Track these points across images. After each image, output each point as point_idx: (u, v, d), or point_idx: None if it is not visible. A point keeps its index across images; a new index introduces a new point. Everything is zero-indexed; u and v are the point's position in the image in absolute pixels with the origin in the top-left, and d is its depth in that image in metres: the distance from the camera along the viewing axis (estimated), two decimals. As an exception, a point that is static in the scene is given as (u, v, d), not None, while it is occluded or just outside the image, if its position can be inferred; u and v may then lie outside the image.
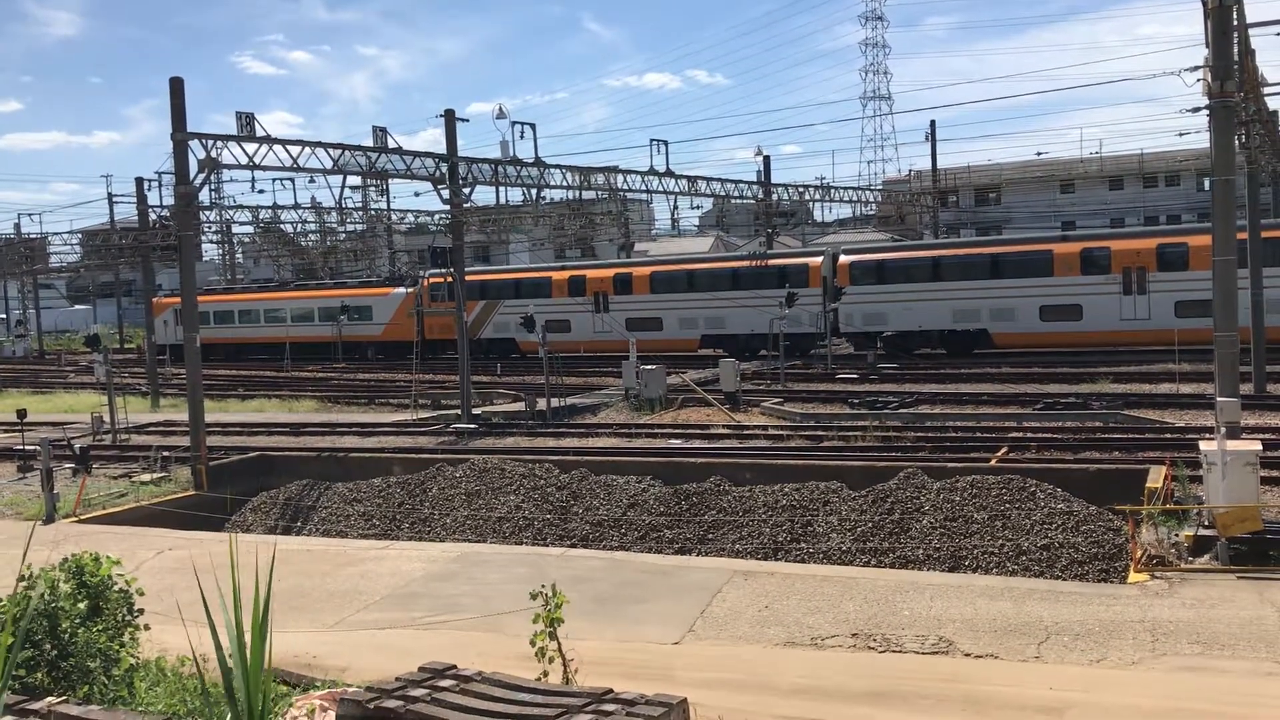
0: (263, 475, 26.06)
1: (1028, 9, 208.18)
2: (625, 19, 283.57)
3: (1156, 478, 18.16)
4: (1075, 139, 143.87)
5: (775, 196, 54.54)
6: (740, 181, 51.31)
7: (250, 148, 27.58)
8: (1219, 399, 16.80)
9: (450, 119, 33.06)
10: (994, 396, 30.91)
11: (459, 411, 32.57)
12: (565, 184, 39.36)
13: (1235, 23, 18.42)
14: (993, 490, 18.42)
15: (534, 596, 8.72)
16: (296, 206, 54.94)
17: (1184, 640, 11.46)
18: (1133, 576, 14.19)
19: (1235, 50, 18.53)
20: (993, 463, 20.92)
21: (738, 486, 20.78)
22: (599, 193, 43.86)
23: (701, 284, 47.89)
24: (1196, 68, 18.61)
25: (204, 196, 42.48)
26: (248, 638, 6.40)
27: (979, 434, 25.28)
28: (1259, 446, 15.61)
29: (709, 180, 47.47)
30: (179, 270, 27.18)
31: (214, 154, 26.28)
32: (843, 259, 44.74)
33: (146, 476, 25.05)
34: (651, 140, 42.75)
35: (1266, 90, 28.09)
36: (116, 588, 8.85)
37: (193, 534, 19.41)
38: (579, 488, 21.55)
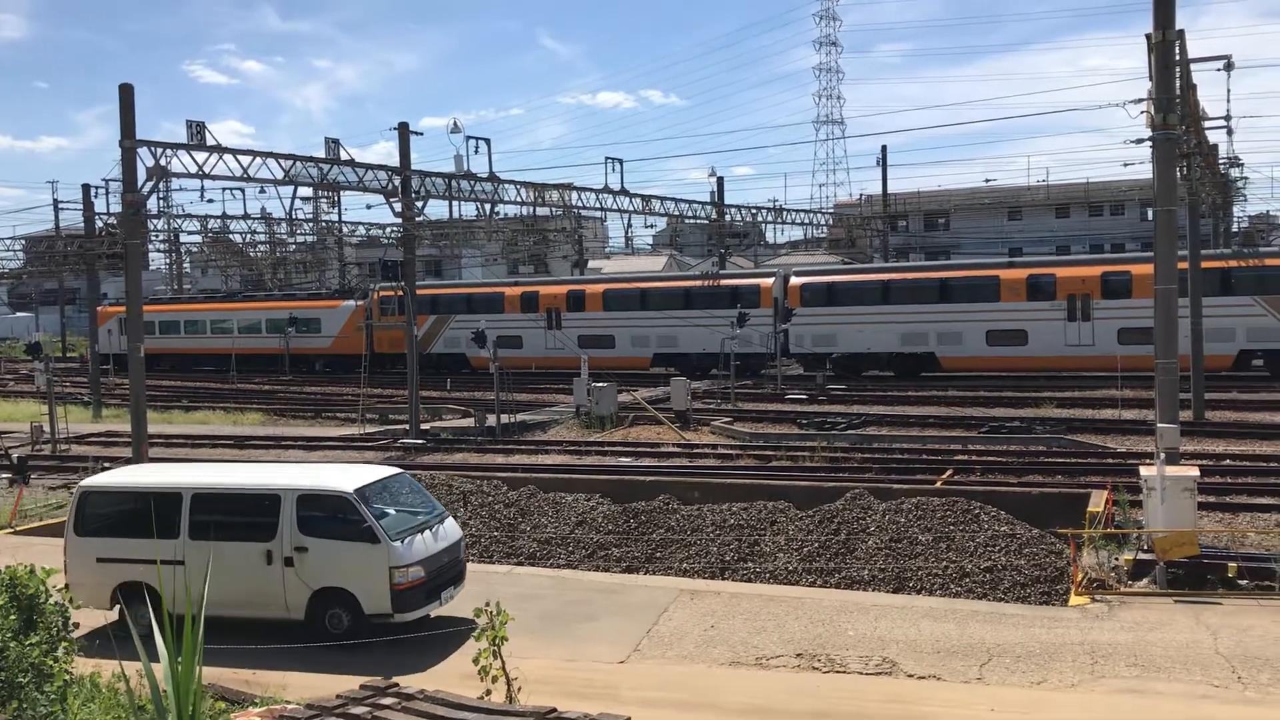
0: (206, 488, 25.65)
1: (978, 39, 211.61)
2: (581, 37, 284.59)
3: (1098, 502, 18.42)
4: (1023, 167, 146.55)
5: (728, 217, 54.87)
6: (694, 201, 51.64)
7: (200, 157, 27.31)
8: (1159, 425, 17.11)
9: (404, 132, 32.93)
10: (940, 419, 31.24)
11: (407, 426, 32.35)
12: (520, 200, 39.35)
13: (1178, 58, 18.83)
14: (938, 512, 18.58)
15: (478, 614, 8.68)
16: (246, 217, 54.28)
17: (1122, 663, 11.63)
18: (1074, 599, 14.38)
19: (1177, 84, 18.94)
20: (938, 485, 21.13)
21: (686, 505, 20.79)
22: (553, 209, 43.88)
23: (654, 302, 48.00)
24: (1140, 100, 18.98)
25: (152, 205, 41.96)
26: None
27: (925, 456, 25.53)
28: (1197, 472, 15.91)
29: (663, 199, 47.73)
30: (125, 279, 26.78)
31: (163, 162, 25.98)
32: (794, 281, 45.07)
33: (86, 488, 24.55)
34: (607, 158, 43.01)
35: (1207, 124, 28.77)
36: (52, 601, 8.67)
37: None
38: (527, 505, 21.46)
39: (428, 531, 13.22)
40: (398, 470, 14.26)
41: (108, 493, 14.12)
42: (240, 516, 13.32)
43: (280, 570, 12.83)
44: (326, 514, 12.99)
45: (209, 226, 58.85)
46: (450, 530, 13.78)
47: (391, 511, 13.22)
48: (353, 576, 12.71)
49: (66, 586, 13.14)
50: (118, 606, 13.46)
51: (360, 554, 12.62)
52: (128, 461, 25.62)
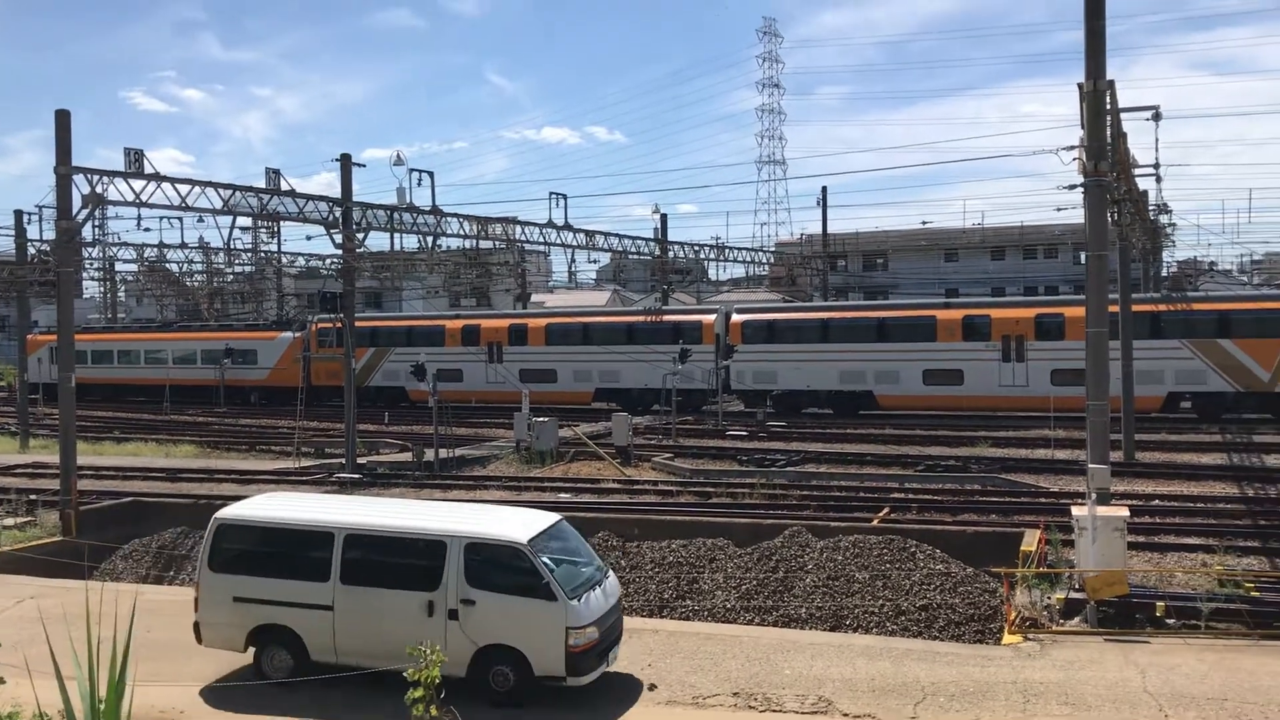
0: (136, 522, 25.17)
1: (915, 83, 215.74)
2: (527, 73, 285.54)
3: (1031, 541, 18.68)
4: (959, 209, 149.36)
5: (671, 254, 55.13)
6: (638, 238, 51.83)
7: (138, 185, 26.93)
8: (1091, 465, 17.40)
9: (346, 163, 32.75)
10: (877, 457, 31.51)
11: (343, 460, 31.96)
12: (462, 233, 39.25)
13: (1108, 107, 19.32)
14: (874, 550, 18.73)
15: (411, 654, 8.57)
16: (184, 246, 53.75)
17: (1054, 701, 11.77)
18: (1007, 638, 14.54)
19: (1108, 132, 19.43)
20: (875, 523, 21.29)
21: (626, 542, 20.76)
22: (496, 243, 43.81)
23: (597, 337, 48.00)
24: (1073, 147, 19.43)
25: (87, 232, 41.26)
26: (103, 691, 6.12)
27: (862, 494, 25.73)
28: (1127, 512, 16.20)
29: (607, 235, 47.88)
30: (57, 307, 26.26)
31: (99, 190, 25.57)
32: (735, 318, 45.36)
33: (10, 521, 23.97)
34: (551, 193, 42.99)
35: (1137, 171, 29.54)
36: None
37: (58, 582, 18.67)
38: (465, 541, 21.25)
39: (598, 588, 12.35)
40: (559, 517, 13.21)
41: (247, 527, 12.97)
42: (400, 561, 12.32)
43: (443, 623, 11.79)
44: (497, 565, 11.97)
45: (145, 255, 58.04)
46: (613, 586, 12.94)
47: (562, 564, 12.25)
48: (524, 635, 11.71)
49: (196, 625, 12.78)
50: (251, 650, 12.73)
51: (534, 611, 11.65)
52: (54, 494, 25.04)
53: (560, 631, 11.56)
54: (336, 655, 12.24)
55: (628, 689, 12.34)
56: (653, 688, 12.37)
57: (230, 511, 13.24)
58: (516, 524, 12.54)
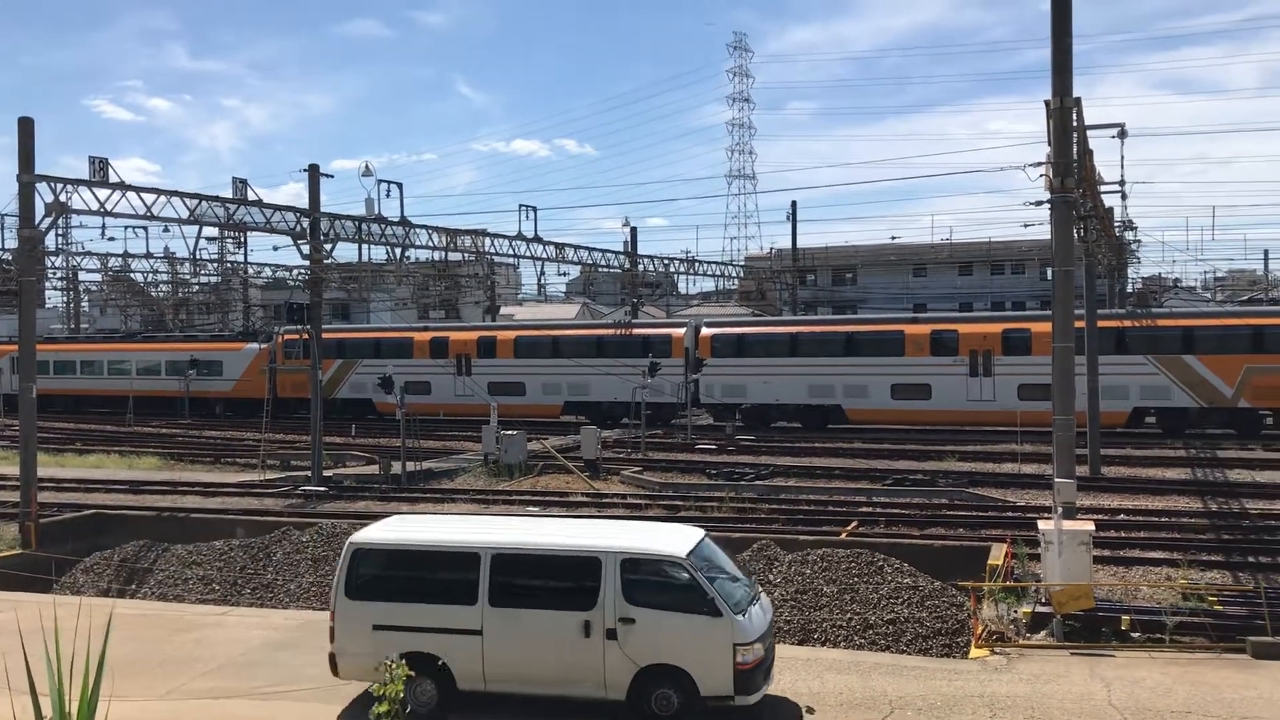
0: (97, 535, 24.85)
1: (884, 99, 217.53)
2: (496, 85, 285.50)
3: (998, 555, 18.75)
4: (928, 225, 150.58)
5: (641, 267, 55.20)
6: (608, 251, 51.86)
7: (102, 193, 26.66)
8: (1057, 480, 17.50)
9: (314, 174, 32.57)
10: (846, 471, 31.59)
11: (309, 473, 31.69)
12: (431, 244, 39.11)
13: (1075, 124, 19.52)
14: (842, 564, 18.73)
15: (377, 668, 8.48)
16: (149, 256, 53.19)
17: (1020, 715, 11.79)
18: (974, 652, 14.57)
19: (1075, 150, 19.62)
20: (843, 536, 21.32)
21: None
22: (465, 255, 43.69)
23: (566, 350, 47.92)
24: (1039, 164, 19.59)
25: (50, 241, 40.91)
26: (73, 707, 5.99)
27: (830, 507, 25.76)
28: (1092, 527, 16.30)
29: (577, 248, 47.83)
30: (18, 316, 25.91)
31: (63, 198, 25.30)
32: (705, 331, 45.43)
33: (-32, 533, 23.58)
34: (520, 205, 42.91)
35: (1103, 188, 29.85)
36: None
37: (17, 595, 18.39)
38: (432, 554, 21.10)
39: (757, 604, 11.92)
40: (703, 532, 12.62)
41: (385, 551, 12.31)
42: (552, 581, 11.80)
43: (600, 644, 11.27)
44: (656, 581, 11.51)
45: (109, 265, 57.46)
46: (767, 602, 12.51)
47: (716, 580, 11.70)
48: (688, 653, 11.20)
49: (332, 656, 12.05)
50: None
51: (698, 628, 11.16)
52: (14, 506, 24.67)
53: (727, 648, 11.09)
54: (485, 682, 11.70)
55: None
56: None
57: (366, 536, 12.53)
58: (671, 537, 12.15)
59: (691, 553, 11.61)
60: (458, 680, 11.69)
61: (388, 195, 36.09)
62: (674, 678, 11.23)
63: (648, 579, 11.51)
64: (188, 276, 69.84)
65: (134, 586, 22.25)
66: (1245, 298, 69.03)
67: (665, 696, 11.23)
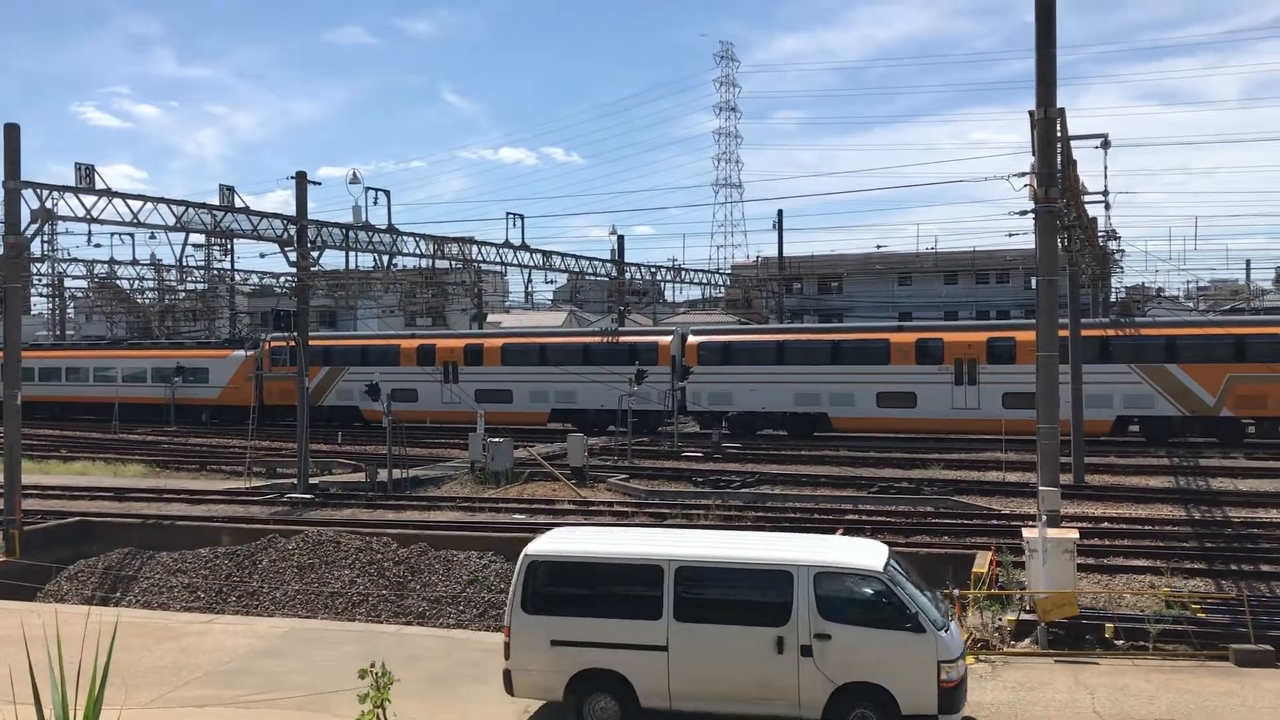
0: (82, 542, 24.75)
1: (870, 109, 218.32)
2: (484, 93, 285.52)
3: (983, 563, 18.82)
4: (913, 234, 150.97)
5: (628, 275, 55.18)
6: (595, 259, 51.80)
7: (89, 200, 26.58)
8: (1041, 488, 17.59)
9: (301, 181, 32.54)
10: (832, 479, 31.67)
11: (295, 480, 31.61)
12: (419, 252, 39.04)
13: (1058, 135, 19.65)
14: (829, 572, 18.75)
15: (362, 675, 8.49)
16: (135, 263, 53.06)
17: (1005, 722, 11.84)
18: (958, 659, 14.60)
19: (1059, 160, 19.76)
20: (830, 545, 21.33)
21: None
22: (453, 262, 43.63)
23: (553, 358, 47.92)
24: (1024, 174, 19.73)
25: (36, 248, 40.54)
26: (74, 716, 5.94)
27: (817, 515, 25.82)
28: (1076, 535, 16.40)
29: (564, 256, 47.79)
30: (3, 323, 25.82)
31: (49, 205, 25.23)
32: (691, 339, 45.48)
33: (-49, 541, 23.46)
34: (508, 213, 42.87)
35: (1086, 198, 30.05)
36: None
37: (1, 604, 18.29)
38: (417, 563, 21.11)
39: (953, 620, 11.73)
40: (887, 547, 12.26)
41: (563, 563, 11.97)
42: (740, 595, 11.49)
43: (795, 660, 10.92)
44: (852, 596, 11.23)
45: (96, 272, 57.28)
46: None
47: (914, 593, 11.42)
48: (889, 671, 10.86)
49: (507, 673, 11.70)
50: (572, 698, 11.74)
51: (900, 644, 10.85)
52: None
53: (931, 665, 10.77)
54: (670, 700, 11.38)
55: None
56: None
57: (542, 547, 12.19)
58: (862, 551, 11.87)
59: (887, 566, 11.35)
60: (640, 698, 11.40)
61: (375, 203, 36.01)
62: (873, 696, 10.90)
63: (843, 594, 11.23)
64: (174, 283, 69.64)
65: (118, 594, 22.18)
66: (1227, 307, 69.51)
67: (863, 716, 10.91)
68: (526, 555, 11.97)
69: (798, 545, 12.29)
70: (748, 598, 11.44)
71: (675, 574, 11.39)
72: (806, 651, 10.94)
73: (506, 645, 11.79)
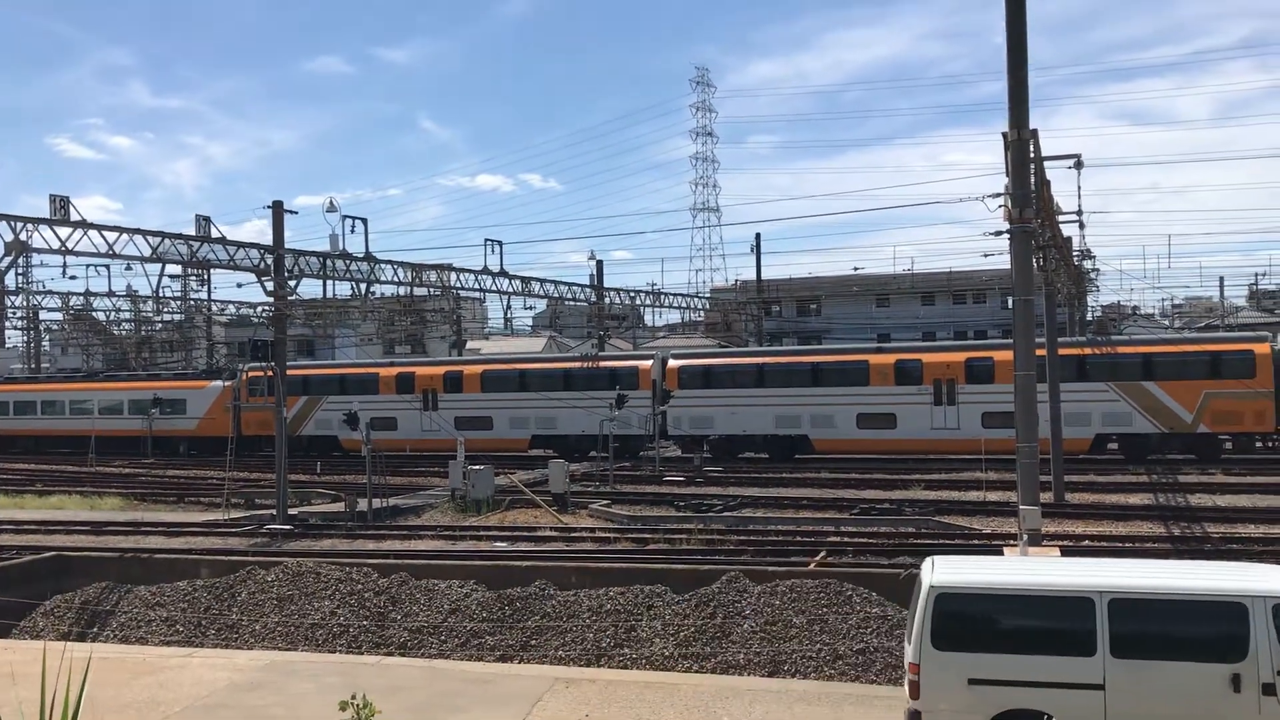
0: (58, 577, 24.43)
1: (844, 132, 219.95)
2: (460, 120, 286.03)
3: (965, 583, 18.77)
4: (889, 256, 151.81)
5: (607, 300, 55.36)
6: (574, 284, 52.07)
7: (64, 232, 26.49)
8: (1021, 507, 17.64)
9: (278, 210, 32.44)
10: (813, 501, 31.66)
11: (274, 511, 31.38)
12: (397, 280, 39.11)
13: (1032, 155, 19.81)
14: (811, 594, 18.74)
15: (343, 707, 8.39)
16: (111, 294, 52.89)
17: (989, 743, 11.78)
18: (942, 680, 14.55)
19: (1032, 180, 19.90)
20: (811, 567, 21.31)
21: (563, 590, 20.55)
22: (431, 289, 43.65)
23: (533, 384, 47.85)
24: (998, 195, 19.85)
25: (10, 280, 40.55)
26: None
27: (799, 538, 25.79)
28: (1058, 553, 16.42)
29: (543, 281, 48.02)
30: (-25, 357, 25.61)
31: (23, 237, 25.14)
32: (672, 363, 45.52)
33: (-76, 578, 23.14)
34: (486, 240, 43.05)
35: (1061, 218, 30.31)
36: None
37: (-27, 642, 18.03)
38: (398, 593, 20.94)
39: None
40: None
41: (977, 595, 11.04)
42: (1186, 629, 10.61)
43: (1255, 700, 10.15)
44: None
45: (71, 304, 56.99)
46: None
47: None
48: None
49: (916, 715, 10.88)
50: None
51: None
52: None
53: None
54: None
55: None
56: None
57: (951, 579, 11.21)
58: None
59: None
60: None
61: (352, 231, 36.05)
62: None
63: None
64: (150, 315, 69.30)
65: (95, 629, 21.90)
66: (1203, 324, 70.10)
67: None
68: (933, 587, 11.07)
69: (1242, 573, 11.49)
70: (1194, 632, 10.64)
71: (1109, 606, 10.64)
72: (1269, 690, 10.21)
73: (914, 684, 10.95)
